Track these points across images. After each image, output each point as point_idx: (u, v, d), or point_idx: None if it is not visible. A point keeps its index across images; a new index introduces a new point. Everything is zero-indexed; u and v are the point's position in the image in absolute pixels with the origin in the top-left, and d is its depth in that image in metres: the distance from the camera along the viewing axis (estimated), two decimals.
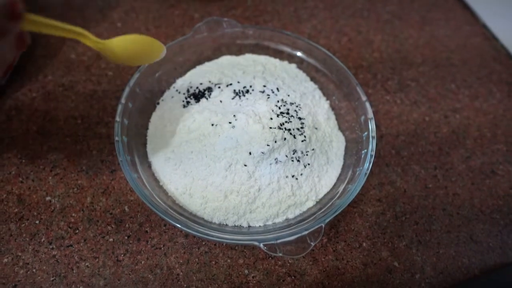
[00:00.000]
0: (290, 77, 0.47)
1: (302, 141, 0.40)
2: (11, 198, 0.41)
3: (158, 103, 0.46)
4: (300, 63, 0.50)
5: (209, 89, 0.44)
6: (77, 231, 0.40)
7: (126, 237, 0.40)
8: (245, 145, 0.38)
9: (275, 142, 0.38)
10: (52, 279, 0.37)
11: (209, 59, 0.50)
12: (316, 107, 0.45)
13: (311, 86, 0.48)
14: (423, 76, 0.56)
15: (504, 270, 0.41)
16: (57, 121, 0.47)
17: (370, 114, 0.42)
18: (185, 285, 0.38)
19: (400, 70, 0.56)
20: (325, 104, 0.47)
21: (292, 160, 0.39)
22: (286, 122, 0.40)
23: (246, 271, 0.39)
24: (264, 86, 0.44)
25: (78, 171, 0.44)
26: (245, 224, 0.39)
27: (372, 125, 0.42)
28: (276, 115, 0.40)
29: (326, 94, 0.48)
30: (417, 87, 0.55)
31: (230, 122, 0.39)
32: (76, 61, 0.52)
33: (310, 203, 0.40)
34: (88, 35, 0.30)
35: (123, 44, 0.33)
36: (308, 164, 0.40)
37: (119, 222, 0.41)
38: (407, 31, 0.61)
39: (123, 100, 0.41)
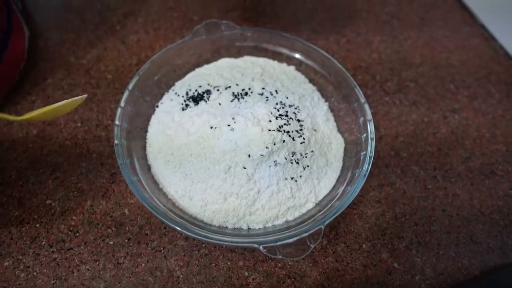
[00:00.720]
0: (289, 79, 0.48)
1: (301, 143, 0.40)
2: (11, 202, 0.41)
3: (157, 106, 0.46)
4: (298, 65, 0.50)
5: (208, 92, 0.44)
6: (77, 234, 0.40)
7: (126, 240, 0.40)
8: (244, 147, 0.38)
9: (274, 144, 0.38)
10: (52, 282, 0.38)
11: (208, 61, 0.50)
12: (315, 109, 0.45)
13: (310, 88, 0.48)
14: (422, 76, 0.56)
15: (504, 271, 0.41)
16: (57, 125, 0.47)
17: (369, 115, 0.42)
18: None
19: (399, 71, 0.57)
20: (324, 106, 0.47)
21: (291, 162, 0.39)
22: (285, 124, 0.40)
23: (246, 273, 0.39)
24: (263, 88, 0.44)
25: (78, 174, 0.44)
26: (244, 227, 0.39)
27: (371, 127, 0.42)
28: (275, 118, 0.40)
29: (325, 95, 0.48)
30: (416, 87, 0.55)
31: (229, 125, 0.39)
32: (75, 64, 0.52)
33: (310, 205, 0.41)
34: (4, 116, 0.34)
35: (40, 115, 0.35)
36: (307, 166, 0.41)
37: (119, 225, 0.41)
38: (406, 32, 0.61)
39: (122, 103, 0.41)
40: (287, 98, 0.44)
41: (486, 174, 0.48)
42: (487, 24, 0.63)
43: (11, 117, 0.35)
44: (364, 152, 0.41)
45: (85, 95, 0.37)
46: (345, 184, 0.41)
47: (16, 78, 0.49)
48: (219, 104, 0.43)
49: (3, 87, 0.47)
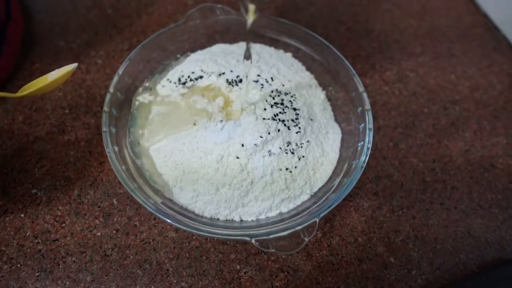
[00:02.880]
0: (286, 66, 0.46)
1: (297, 132, 0.39)
2: None
3: None
4: (296, 52, 0.48)
5: (201, 78, 0.42)
6: (63, 224, 0.39)
7: (114, 231, 0.39)
8: (238, 136, 0.37)
9: (269, 133, 0.37)
10: (37, 274, 0.36)
11: (202, 47, 0.48)
12: (312, 98, 0.44)
13: (307, 76, 0.47)
14: (423, 66, 0.55)
15: (502, 266, 0.41)
16: (44, 111, 0.45)
17: (368, 105, 0.41)
18: (175, 281, 0.37)
19: (399, 60, 0.55)
20: (321, 94, 0.46)
21: (286, 152, 0.38)
22: (280, 113, 0.39)
23: (238, 267, 0.38)
24: (258, 75, 0.43)
25: (65, 163, 0.42)
26: (237, 218, 0.38)
27: (369, 117, 0.40)
28: (270, 106, 0.39)
29: (323, 84, 0.47)
30: (416, 78, 0.54)
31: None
32: (65, 48, 0.50)
33: (305, 197, 0.39)
34: (2, 94, 0.34)
35: (36, 91, 0.36)
36: (303, 156, 0.39)
37: (107, 215, 0.40)
38: (407, 20, 0.60)
39: (111, 89, 0.40)
40: (283, 86, 0.42)
41: (486, 167, 0.47)
42: (490, 13, 0.61)
43: (9, 94, 0.34)
44: (362, 142, 0.39)
45: (76, 64, 0.36)
46: (341, 176, 0.39)
47: (12, 69, 0.47)
48: (212, 91, 0.41)
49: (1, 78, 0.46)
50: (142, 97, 0.43)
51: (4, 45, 0.45)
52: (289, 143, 0.38)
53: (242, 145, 0.37)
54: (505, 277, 0.40)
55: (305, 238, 0.33)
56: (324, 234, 0.41)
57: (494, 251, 0.42)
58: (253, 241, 0.33)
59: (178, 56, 0.47)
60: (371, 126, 0.40)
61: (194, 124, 0.39)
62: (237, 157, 0.37)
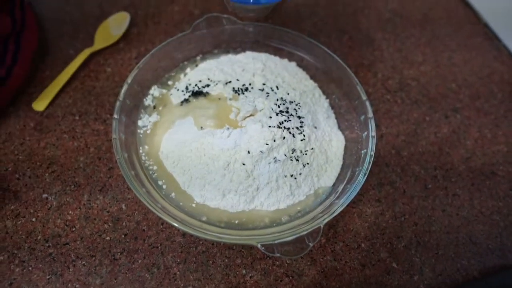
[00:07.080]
0: (290, 75, 0.47)
1: (302, 140, 0.40)
2: (7, 195, 0.41)
3: None
4: (300, 61, 0.49)
5: (208, 87, 0.43)
6: (73, 229, 0.40)
7: (123, 236, 0.40)
8: (244, 143, 0.38)
9: (274, 141, 0.38)
10: (48, 277, 0.37)
11: (209, 56, 0.49)
12: (316, 106, 0.45)
13: (311, 84, 0.48)
14: (424, 75, 0.56)
15: (504, 272, 0.41)
16: (54, 117, 0.46)
17: (370, 113, 0.42)
18: (182, 285, 0.38)
19: (401, 69, 0.56)
20: (325, 102, 0.46)
21: (291, 159, 0.39)
22: (285, 120, 0.40)
23: (244, 271, 0.39)
24: (264, 84, 0.44)
25: (75, 168, 0.43)
26: (243, 223, 0.39)
27: (372, 125, 0.41)
28: (275, 114, 0.40)
29: (326, 92, 0.48)
30: (418, 86, 0.54)
31: None
32: (74, 57, 0.52)
33: (309, 203, 0.40)
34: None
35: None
36: (307, 163, 0.40)
37: (116, 220, 0.41)
38: (408, 30, 0.61)
39: (121, 97, 0.41)
40: (288, 94, 0.43)
41: (487, 175, 0.48)
42: (491, 22, 0.62)
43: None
44: (365, 150, 0.40)
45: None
46: (345, 182, 0.40)
47: (27, 76, 0.49)
48: (219, 99, 0.42)
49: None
50: (151, 105, 0.44)
51: (19, 53, 0.46)
52: (294, 150, 0.39)
53: (248, 152, 0.38)
54: (507, 283, 0.41)
55: (310, 244, 0.34)
56: (328, 239, 0.41)
57: (495, 258, 0.42)
58: (258, 245, 0.33)
59: (185, 64, 0.48)
60: (374, 134, 0.41)
61: (201, 128, 0.40)
62: (243, 164, 0.38)
